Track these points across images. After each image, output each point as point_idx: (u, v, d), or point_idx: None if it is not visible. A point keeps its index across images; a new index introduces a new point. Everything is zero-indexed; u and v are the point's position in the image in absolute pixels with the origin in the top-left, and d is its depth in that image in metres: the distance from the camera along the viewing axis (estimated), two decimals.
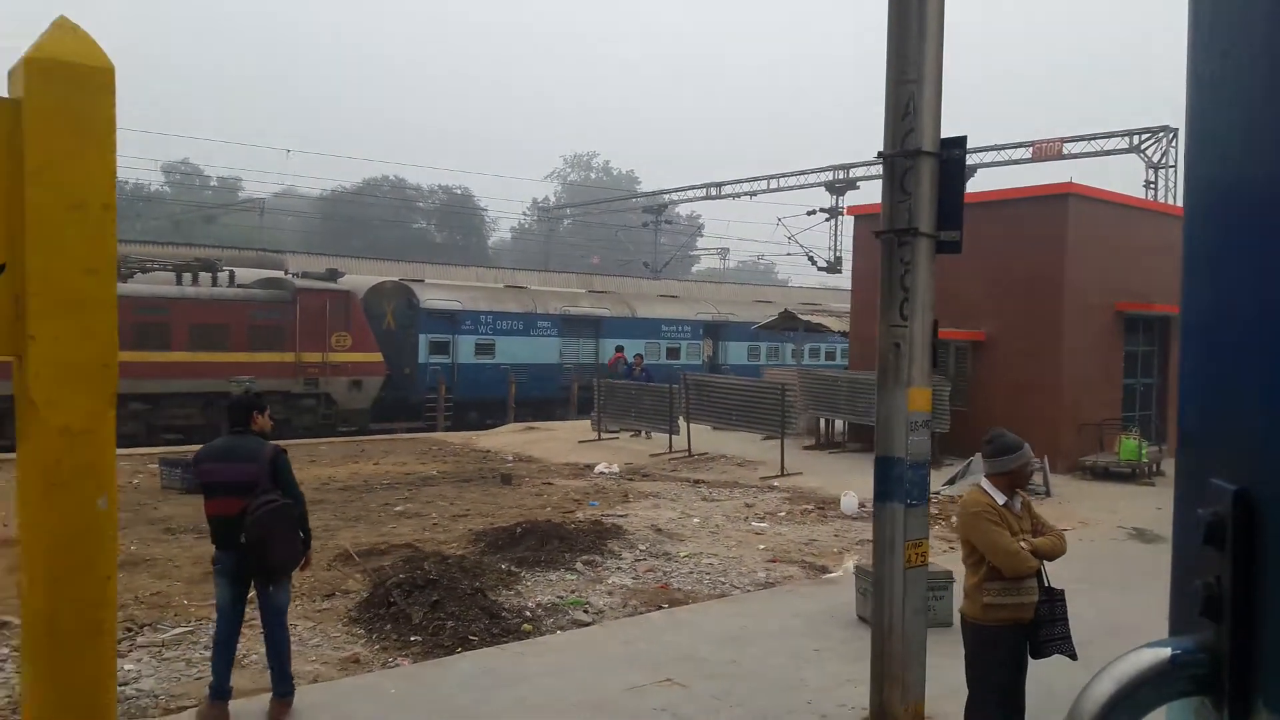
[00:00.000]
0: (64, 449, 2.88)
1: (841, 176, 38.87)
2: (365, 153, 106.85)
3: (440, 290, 27.03)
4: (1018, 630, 4.50)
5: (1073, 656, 4.46)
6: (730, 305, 34.97)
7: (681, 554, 10.01)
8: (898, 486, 5.38)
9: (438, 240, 69.92)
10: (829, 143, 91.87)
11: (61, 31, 2.90)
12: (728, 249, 60.10)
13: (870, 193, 43.67)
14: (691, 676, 6.34)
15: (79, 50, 2.89)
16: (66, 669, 2.88)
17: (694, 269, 72.54)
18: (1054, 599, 4.52)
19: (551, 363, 28.01)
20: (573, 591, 8.46)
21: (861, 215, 19.96)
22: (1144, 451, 15.48)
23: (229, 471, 5.34)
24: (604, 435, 19.83)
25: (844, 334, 21.88)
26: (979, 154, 33.17)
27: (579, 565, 9.23)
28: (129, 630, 7.00)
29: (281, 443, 5.96)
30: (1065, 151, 32.09)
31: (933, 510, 10.59)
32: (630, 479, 15.19)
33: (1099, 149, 31.71)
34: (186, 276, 21.78)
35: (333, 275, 24.72)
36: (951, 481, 14.18)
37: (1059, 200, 16.22)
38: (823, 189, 39.53)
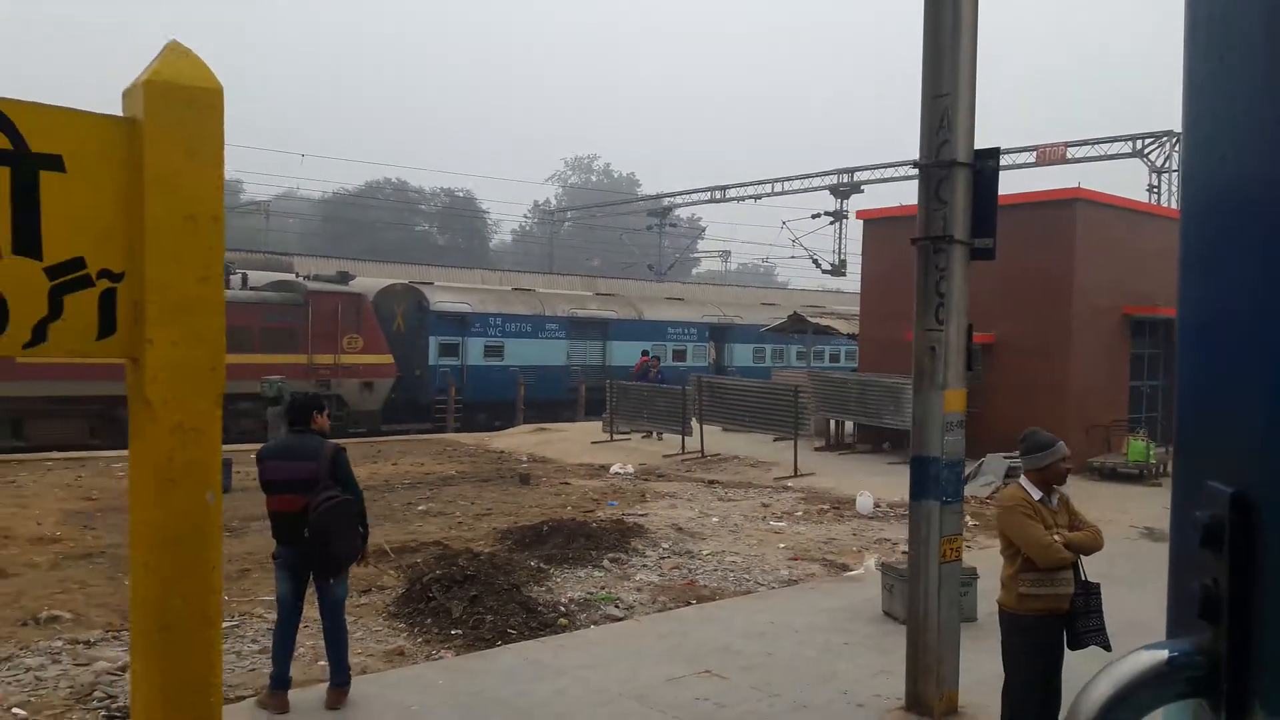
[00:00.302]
0: (176, 446, 3.05)
1: (846, 180, 39.08)
2: (366, 155, 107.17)
3: (450, 293, 27.22)
4: (1053, 621, 4.70)
5: (1107, 648, 4.65)
6: (735, 308, 35.17)
7: (704, 552, 10.21)
8: (934, 485, 5.58)
9: (440, 243, 70.10)
10: (831, 144, 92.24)
11: (175, 55, 3.09)
12: (729, 251, 60.36)
13: (875, 196, 43.92)
14: (729, 668, 6.54)
15: (191, 73, 3.09)
16: (178, 656, 3.05)
17: (694, 271, 72.72)
18: (1089, 592, 4.72)
19: (559, 365, 28.22)
20: (602, 588, 8.66)
21: (871, 219, 20.10)
22: (1151, 452, 15.70)
23: (291, 469, 5.52)
24: (615, 436, 20.05)
25: (852, 336, 22.00)
26: None
27: (605, 562, 9.43)
28: None
29: None
30: (1069, 156, 32.35)
31: None
32: (646, 479, 15.40)
33: (1102, 153, 31.99)
34: None
35: (344, 278, 24.89)
36: (964, 481, 14.36)
37: (1067, 205, 16.46)
38: (827, 192, 39.76)
